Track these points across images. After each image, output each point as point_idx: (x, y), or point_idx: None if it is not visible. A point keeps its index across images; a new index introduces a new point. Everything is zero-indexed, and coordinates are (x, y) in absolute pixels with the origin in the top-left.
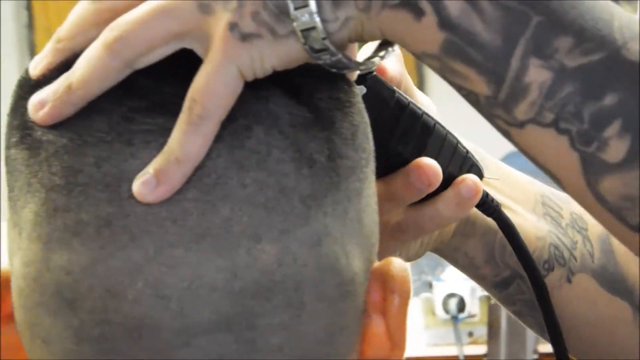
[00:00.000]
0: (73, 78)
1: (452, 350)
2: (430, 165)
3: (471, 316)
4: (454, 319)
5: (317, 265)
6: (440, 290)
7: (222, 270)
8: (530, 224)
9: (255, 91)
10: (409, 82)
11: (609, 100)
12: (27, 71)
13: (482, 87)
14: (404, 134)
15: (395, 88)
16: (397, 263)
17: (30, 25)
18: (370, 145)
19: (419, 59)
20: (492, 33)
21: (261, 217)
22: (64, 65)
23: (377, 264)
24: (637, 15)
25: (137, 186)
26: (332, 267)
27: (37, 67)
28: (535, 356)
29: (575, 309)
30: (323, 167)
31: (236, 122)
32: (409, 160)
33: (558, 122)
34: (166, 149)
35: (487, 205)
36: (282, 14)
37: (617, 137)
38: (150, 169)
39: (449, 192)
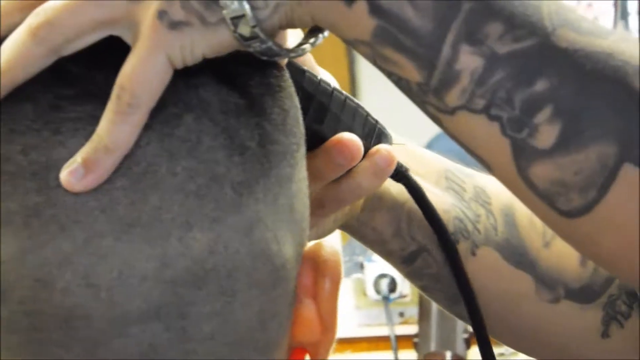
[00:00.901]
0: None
1: (384, 331)
2: (351, 139)
3: (402, 296)
4: (385, 299)
5: (249, 253)
6: (371, 271)
7: (153, 259)
8: (434, 196)
9: (186, 78)
10: (311, 59)
11: (540, 86)
12: None
13: (413, 73)
14: (318, 112)
15: (304, 68)
16: (328, 247)
17: None
18: (300, 129)
19: (351, 45)
20: (423, 19)
21: (192, 206)
22: None
23: (307, 248)
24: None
25: (65, 175)
26: (264, 253)
27: None
28: (466, 335)
29: (480, 282)
30: (254, 154)
31: (166, 110)
32: (326, 137)
33: (489, 109)
34: (94, 137)
35: (397, 170)
36: (212, 1)
37: (547, 123)
38: (78, 158)
39: (365, 163)
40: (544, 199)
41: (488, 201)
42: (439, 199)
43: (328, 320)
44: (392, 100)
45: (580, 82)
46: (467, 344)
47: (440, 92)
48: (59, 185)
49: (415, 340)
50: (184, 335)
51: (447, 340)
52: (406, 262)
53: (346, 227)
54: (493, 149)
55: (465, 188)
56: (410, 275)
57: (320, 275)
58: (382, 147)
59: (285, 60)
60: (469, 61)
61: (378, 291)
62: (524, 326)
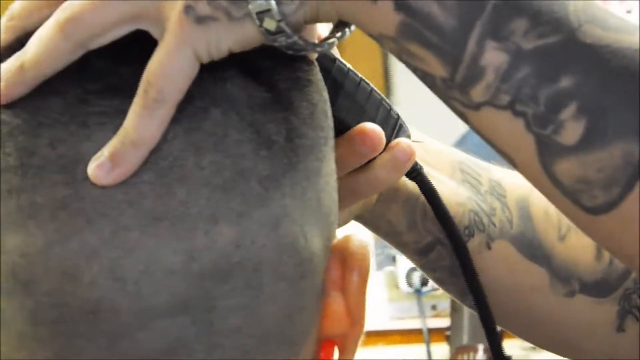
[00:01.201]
0: (25, 57)
1: (416, 324)
2: (374, 130)
3: (434, 289)
4: (417, 292)
5: (275, 247)
6: (403, 264)
7: (179, 252)
8: (450, 190)
9: (213, 72)
10: (335, 51)
11: (565, 82)
12: None
13: (438, 69)
14: (344, 101)
15: (335, 56)
16: (356, 240)
17: None
18: (329, 123)
19: (376, 40)
20: (448, 15)
21: (218, 199)
22: (17, 43)
23: (336, 241)
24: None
25: (92, 169)
26: (290, 247)
27: None
28: (499, 328)
29: (495, 275)
30: (281, 148)
31: (193, 104)
32: (350, 126)
33: (514, 105)
34: (121, 131)
35: (412, 168)
36: None
37: (572, 120)
38: (105, 152)
39: (385, 156)
40: (568, 195)
41: (503, 194)
42: (455, 191)
43: (356, 314)
44: (425, 95)
45: (605, 78)
46: (500, 337)
47: (465, 88)
48: (86, 178)
49: (448, 333)
50: (211, 329)
51: (479, 333)
52: (420, 254)
53: (360, 219)
54: (518, 145)
55: (480, 181)
56: (424, 267)
57: (348, 268)
58: (402, 140)
59: (315, 54)
60: (494, 57)
61: (410, 284)
62: (538, 319)
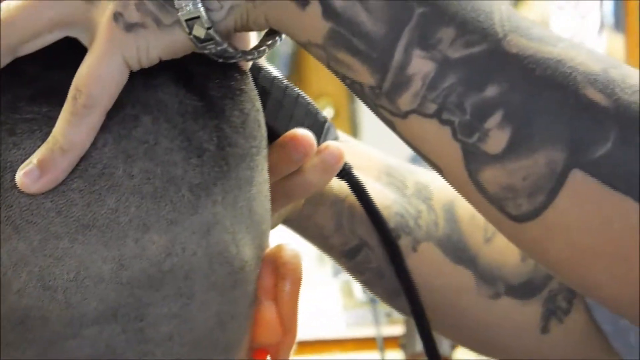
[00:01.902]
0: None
1: (371, 331)
2: (305, 135)
3: None
4: (373, 300)
5: (206, 254)
6: None
7: (109, 260)
8: (375, 192)
9: (145, 79)
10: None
11: (491, 91)
12: None
13: (366, 77)
14: (272, 108)
15: (261, 64)
16: (288, 249)
17: None
18: (262, 132)
19: (304, 47)
20: (376, 23)
21: (149, 207)
22: None
23: (268, 250)
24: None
25: (21, 177)
26: (222, 255)
27: None
28: None
29: (421, 277)
30: (212, 156)
31: (123, 111)
32: (279, 133)
33: (441, 113)
34: (50, 138)
35: (341, 168)
36: (167, 3)
37: (498, 128)
38: (34, 159)
39: (314, 159)
40: (493, 203)
41: (429, 197)
42: (380, 194)
43: (289, 322)
44: None
45: (530, 88)
46: (453, 345)
47: (392, 96)
48: (14, 186)
49: (402, 341)
50: (141, 337)
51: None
52: (347, 257)
53: (288, 222)
54: (444, 153)
55: (406, 184)
56: (351, 270)
57: (280, 277)
58: (331, 143)
59: (250, 64)
60: (421, 65)
61: (365, 292)
62: (465, 321)
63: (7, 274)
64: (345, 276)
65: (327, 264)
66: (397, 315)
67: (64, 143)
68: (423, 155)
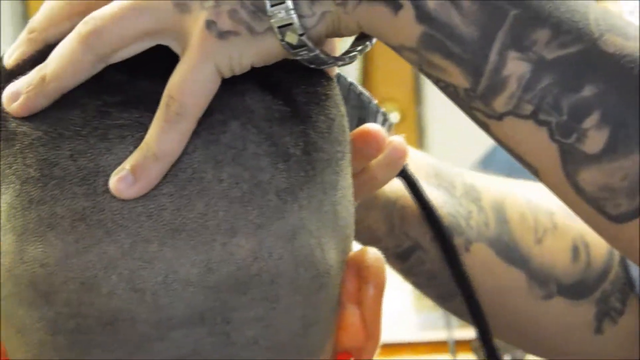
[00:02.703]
0: (47, 70)
1: (442, 335)
2: (377, 130)
3: None
4: None
5: (292, 259)
6: None
7: (197, 264)
8: (427, 193)
9: (232, 86)
10: None
11: (588, 91)
12: (1, 60)
13: (460, 79)
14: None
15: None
16: (371, 253)
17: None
18: (346, 137)
19: (396, 51)
20: (470, 26)
21: (236, 212)
22: (39, 55)
23: (352, 254)
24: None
25: (114, 182)
26: (307, 260)
27: (11, 56)
28: None
29: (474, 278)
30: (298, 161)
31: (212, 117)
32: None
33: (537, 114)
34: (143, 145)
35: None
36: (259, 11)
37: (596, 129)
38: (127, 165)
39: (380, 156)
40: (591, 203)
41: (479, 197)
42: (431, 195)
43: (372, 327)
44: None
45: (627, 87)
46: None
47: (487, 98)
48: (106, 190)
49: (474, 344)
50: (227, 340)
51: (504, 344)
52: (400, 259)
53: None
54: (541, 154)
55: (455, 185)
56: (403, 272)
57: (364, 281)
58: (395, 139)
59: (335, 70)
60: (516, 67)
61: None
62: (517, 321)
63: (97, 276)
64: None
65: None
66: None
67: (157, 149)
68: (518, 156)
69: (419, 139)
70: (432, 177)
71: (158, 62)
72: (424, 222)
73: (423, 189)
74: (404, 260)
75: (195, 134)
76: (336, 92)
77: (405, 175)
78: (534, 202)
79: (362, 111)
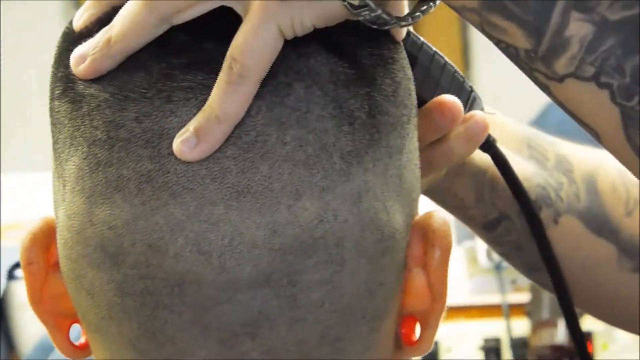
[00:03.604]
0: (112, 32)
1: (496, 299)
2: (453, 102)
3: None
4: (497, 267)
5: (357, 222)
6: None
7: (262, 227)
8: (516, 165)
9: (296, 48)
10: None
11: None
12: (71, 23)
13: (521, 41)
14: (419, 74)
15: (410, 29)
16: (438, 217)
17: None
18: (412, 101)
19: (458, 12)
20: None
21: (301, 175)
22: (106, 17)
23: (418, 217)
24: None
25: (178, 144)
26: (372, 223)
27: (79, 19)
28: None
29: (562, 250)
30: (364, 124)
31: (276, 80)
32: (424, 100)
33: (599, 76)
34: (206, 107)
35: (485, 140)
36: None
37: None
38: (190, 127)
39: (459, 128)
40: None
41: (570, 169)
42: (522, 166)
43: (438, 290)
44: (503, 70)
45: None
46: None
47: (549, 60)
48: (170, 153)
49: (528, 308)
50: (293, 303)
51: (559, 308)
52: (487, 229)
53: (428, 193)
54: (601, 116)
55: (547, 156)
56: (490, 242)
57: (430, 244)
58: (476, 113)
59: (404, 33)
60: (579, 28)
61: (490, 259)
62: (604, 294)
63: (164, 238)
64: (470, 243)
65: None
66: (523, 283)
67: (220, 112)
68: (579, 119)
69: None
70: (525, 148)
71: (223, 23)
72: (512, 196)
73: (511, 167)
74: (491, 230)
75: (259, 96)
76: (403, 55)
77: (494, 153)
78: (625, 174)
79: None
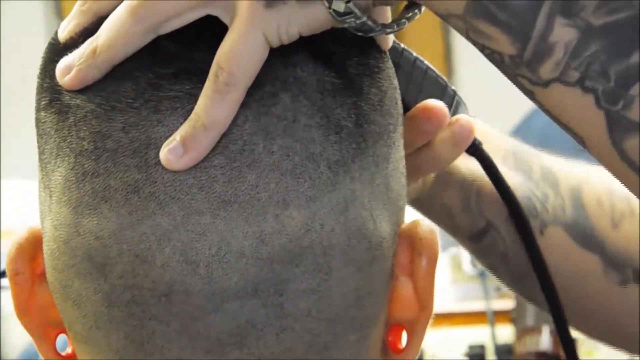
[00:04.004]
0: (98, 42)
1: (480, 305)
2: (438, 106)
3: None
4: (482, 274)
5: (344, 231)
6: None
7: (250, 236)
8: (504, 174)
9: (284, 57)
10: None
11: (636, 58)
12: (56, 33)
13: (506, 46)
14: (401, 81)
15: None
16: (424, 225)
17: None
18: (398, 110)
19: (443, 19)
20: None
21: (288, 184)
22: (91, 27)
23: (404, 225)
24: None
25: (165, 154)
26: (359, 232)
27: (64, 30)
28: None
29: (548, 261)
30: (350, 133)
31: (263, 89)
32: (408, 107)
33: (584, 81)
34: (193, 115)
35: (471, 143)
36: None
37: None
38: (177, 136)
39: (445, 133)
40: (638, 172)
41: (555, 182)
42: (507, 175)
43: (425, 298)
44: (486, 77)
45: None
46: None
47: (533, 65)
48: (157, 162)
49: (512, 314)
50: (281, 312)
51: (544, 314)
52: (473, 239)
53: (414, 202)
54: (587, 121)
55: (533, 168)
56: (477, 253)
57: (416, 253)
58: (462, 116)
59: (390, 42)
60: (563, 33)
61: (475, 266)
62: (591, 306)
63: (151, 248)
64: (454, 250)
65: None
66: (507, 289)
67: (207, 120)
68: (564, 124)
69: None
70: (510, 159)
71: (210, 32)
72: (500, 202)
73: (498, 169)
74: (477, 240)
75: (246, 105)
76: (389, 64)
77: (480, 156)
78: (611, 187)
79: (426, 86)
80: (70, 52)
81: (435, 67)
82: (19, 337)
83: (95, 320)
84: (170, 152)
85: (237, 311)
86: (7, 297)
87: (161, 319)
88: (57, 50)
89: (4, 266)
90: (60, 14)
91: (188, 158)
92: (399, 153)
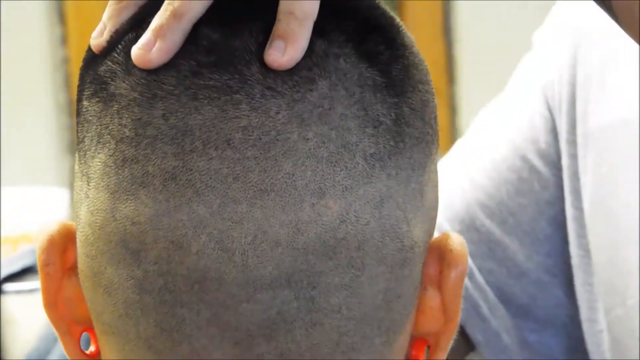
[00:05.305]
0: (174, 5)
1: None
2: None
3: None
4: None
5: (379, 226)
6: None
7: (286, 225)
8: None
9: (328, 48)
10: None
11: None
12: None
13: None
14: None
15: None
16: (455, 237)
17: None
18: (437, 127)
19: None
20: None
21: (324, 172)
22: (138, 16)
23: (435, 237)
24: None
25: (135, 50)
26: (393, 230)
27: (102, 32)
28: None
29: None
30: (388, 130)
31: (299, 74)
32: None
33: None
34: (164, 5)
35: None
36: None
37: None
38: (148, 31)
39: None
40: None
41: None
42: None
43: (451, 311)
44: (489, 84)
45: None
46: None
47: None
48: (193, 150)
49: None
50: (312, 306)
51: None
52: None
53: None
54: None
55: None
56: None
57: (446, 264)
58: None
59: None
60: None
61: None
62: None
63: (187, 235)
64: None
65: None
66: None
67: (177, 5)
68: None
69: (451, 119)
70: None
71: (249, 18)
72: None
73: None
74: None
75: (279, 93)
76: (431, 84)
77: None
78: None
79: None
80: (118, 46)
81: (436, 76)
82: (20, 343)
83: (126, 308)
84: (141, 47)
85: (269, 302)
86: (8, 303)
87: (192, 306)
88: (94, 57)
89: (4, 272)
90: (62, 15)
91: (160, 48)
92: (434, 166)
